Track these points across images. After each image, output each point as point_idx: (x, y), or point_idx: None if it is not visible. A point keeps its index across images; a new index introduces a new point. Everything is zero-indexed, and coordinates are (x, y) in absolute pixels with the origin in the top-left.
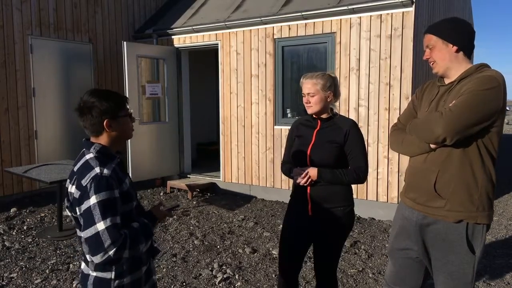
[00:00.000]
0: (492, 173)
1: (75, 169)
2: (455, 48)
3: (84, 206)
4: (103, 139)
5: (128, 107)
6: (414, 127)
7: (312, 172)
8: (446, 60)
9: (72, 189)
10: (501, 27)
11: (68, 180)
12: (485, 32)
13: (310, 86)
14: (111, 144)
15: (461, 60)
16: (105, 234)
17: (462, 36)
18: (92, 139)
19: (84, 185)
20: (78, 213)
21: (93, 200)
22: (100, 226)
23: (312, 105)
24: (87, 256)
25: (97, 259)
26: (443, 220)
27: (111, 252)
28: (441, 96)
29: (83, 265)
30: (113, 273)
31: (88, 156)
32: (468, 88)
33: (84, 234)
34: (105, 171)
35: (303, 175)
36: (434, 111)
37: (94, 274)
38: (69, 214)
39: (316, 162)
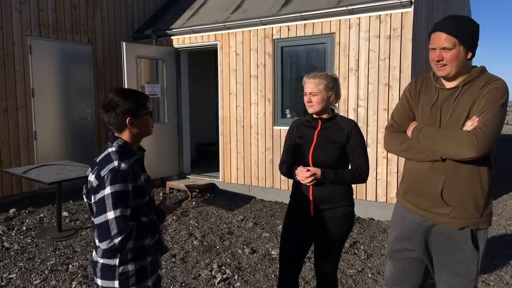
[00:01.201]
0: (492, 179)
1: (98, 160)
2: (470, 54)
3: (99, 195)
4: (125, 135)
5: (149, 105)
6: (431, 139)
7: (317, 172)
8: (460, 66)
9: (91, 178)
10: (500, 27)
11: (90, 169)
12: (483, 33)
13: (313, 86)
14: (132, 140)
15: (466, 65)
16: (113, 223)
17: (477, 42)
18: (116, 135)
19: (102, 175)
20: (93, 201)
21: (107, 190)
22: (110, 215)
23: (313, 104)
24: (96, 242)
25: (103, 245)
26: (447, 226)
27: (116, 241)
28: (444, 101)
29: (93, 252)
30: (118, 260)
31: (110, 150)
32: (487, 104)
33: (95, 220)
34: (123, 165)
35: (308, 174)
36: (440, 122)
37: (102, 261)
38: (85, 200)
39: (318, 162)
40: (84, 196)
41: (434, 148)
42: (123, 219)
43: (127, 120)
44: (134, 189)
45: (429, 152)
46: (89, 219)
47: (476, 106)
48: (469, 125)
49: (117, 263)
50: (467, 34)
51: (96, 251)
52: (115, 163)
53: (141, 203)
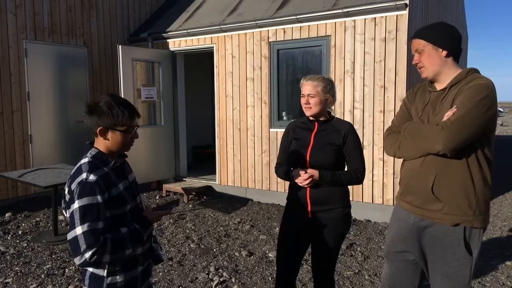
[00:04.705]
0: (488, 177)
1: (71, 173)
2: (445, 52)
3: (70, 210)
4: (100, 143)
5: (134, 123)
6: (411, 134)
7: (315, 173)
8: (436, 65)
9: (66, 191)
10: (495, 28)
11: (66, 183)
12: (479, 35)
13: (310, 88)
14: (107, 150)
15: (450, 65)
16: (82, 238)
17: (451, 40)
18: (95, 142)
19: (72, 189)
20: (67, 216)
21: (76, 204)
22: (79, 230)
23: (311, 107)
24: None
25: (76, 261)
26: (440, 223)
27: (87, 256)
28: (433, 102)
29: None
30: (106, 270)
31: (82, 161)
32: (463, 100)
33: (67, 236)
34: (91, 176)
35: (306, 176)
36: (428, 122)
37: (90, 270)
38: (65, 215)
39: (316, 164)
40: (63, 211)
41: (415, 143)
42: (92, 233)
43: (98, 129)
44: (110, 199)
45: (416, 148)
46: None
47: (455, 102)
48: (443, 119)
49: (105, 274)
50: (434, 33)
51: None
52: (83, 175)
53: (122, 212)
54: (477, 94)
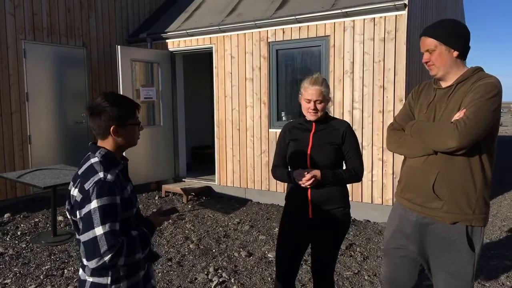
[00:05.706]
0: (489, 177)
1: (80, 172)
2: (456, 53)
3: (84, 210)
4: (108, 143)
5: (138, 115)
6: (420, 132)
7: (316, 173)
8: (446, 65)
9: (74, 192)
10: (494, 29)
11: (72, 183)
12: (477, 35)
13: (318, 94)
14: (115, 149)
15: (459, 64)
16: (102, 239)
17: (463, 41)
18: (99, 142)
19: (86, 188)
20: (78, 217)
21: (94, 204)
22: (99, 231)
23: (318, 112)
24: (84, 261)
25: (92, 264)
26: (440, 221)
27: (106, 258)
28: (439, 99)
29: (80, 271)
30: (109, 278)
31: (93, 160)
32: (474, 98)
33: (82, 237)
34: (109, 176)
35: (308, 177)
36: (434, 120)
37: (91, 279)
38: (69, 217)
39: (316, 163)
40: (67, 212)
41: (423, 140)
42: (112, 235)
43: (112, 128)
44: (122, 201)
45: (420, 147)
46: None
47: (465, 100)
48: (455, 117)
49: (109, 282)
50: (446, 34)
51: (83, 269)
52: (100, 174)
53: (129, 215)
54: (487, 92)
